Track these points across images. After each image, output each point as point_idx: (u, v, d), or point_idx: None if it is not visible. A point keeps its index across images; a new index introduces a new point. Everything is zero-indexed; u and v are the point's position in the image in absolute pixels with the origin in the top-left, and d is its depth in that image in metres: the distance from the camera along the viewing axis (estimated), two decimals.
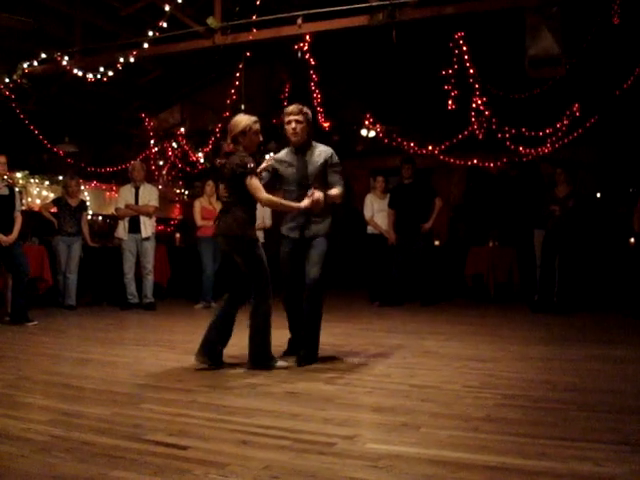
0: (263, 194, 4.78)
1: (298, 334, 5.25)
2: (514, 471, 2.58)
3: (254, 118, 5.00)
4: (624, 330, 7.21)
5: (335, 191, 5.09)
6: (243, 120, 4.93)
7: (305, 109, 5.12)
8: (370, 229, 10.09)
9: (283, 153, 5.30)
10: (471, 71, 9.77)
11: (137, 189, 9.39)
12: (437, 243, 11.55)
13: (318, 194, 4.84)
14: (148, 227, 9.35)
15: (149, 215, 9.36)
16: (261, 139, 5.03)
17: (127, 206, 9.33)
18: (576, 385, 4.17)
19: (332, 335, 6.58)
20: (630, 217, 8.70)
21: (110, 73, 9.73)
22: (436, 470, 2.59)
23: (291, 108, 5.11)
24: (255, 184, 4.76)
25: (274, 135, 13.55)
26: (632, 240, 9.17)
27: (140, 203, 9.32)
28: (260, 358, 4.80)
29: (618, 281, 9.84)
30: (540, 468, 2.61)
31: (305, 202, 4.86)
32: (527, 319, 8.19)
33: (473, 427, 3.22)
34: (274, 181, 5.23)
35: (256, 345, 4.80)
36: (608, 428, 3.18)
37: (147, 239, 9.34)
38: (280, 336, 5.24)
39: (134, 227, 9.31)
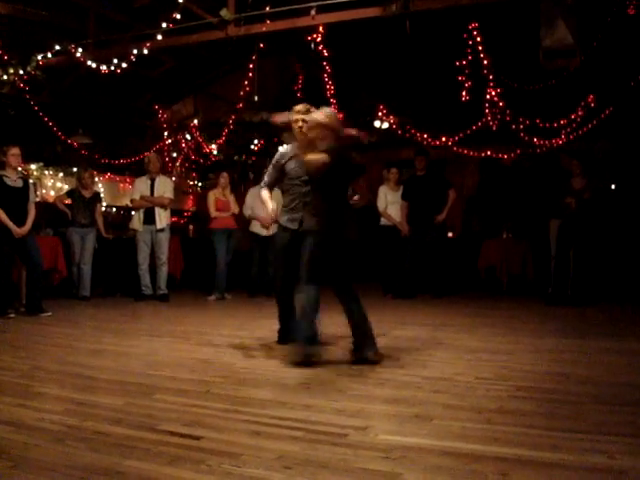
0: None
1: (286, 325, 5.40)
2: (527, 463, 2.58)
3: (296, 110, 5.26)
4: (639, 323, 7.19)
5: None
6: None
7: (312, 109, 5.13)
8: (383, 221, 10.08)
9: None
10: (485, 62, 9.70)
11: (153, 181, 9.41)
12: (450, 235, 11.51)
13: None
14: (163, 218, 9.37)
15: (164, 206, 9.38)
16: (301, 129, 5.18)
17: (142, 197, 9.36)
18: (590, 378, 4.15)
19: (344, 326, 6.57)
20: None
21: (124, 65, 9.75)
22: (449, 462, 2.59)
23: (299, 107, 5.25)
24: None
25: (287, 126, 13.55)
26: None
27: (155, 195, 9.34)
28: None
29: (633, 273, 9.79)
30: (553, 460, 2.61)
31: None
32: (541, 311, 8.16)
33: (486, 419, 3.21)
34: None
35: None
36: (622, 421, 3.17)
37: (162, 230, 9.36)
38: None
39: (149, 218, 9.33)
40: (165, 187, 9.45)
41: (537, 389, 3.85)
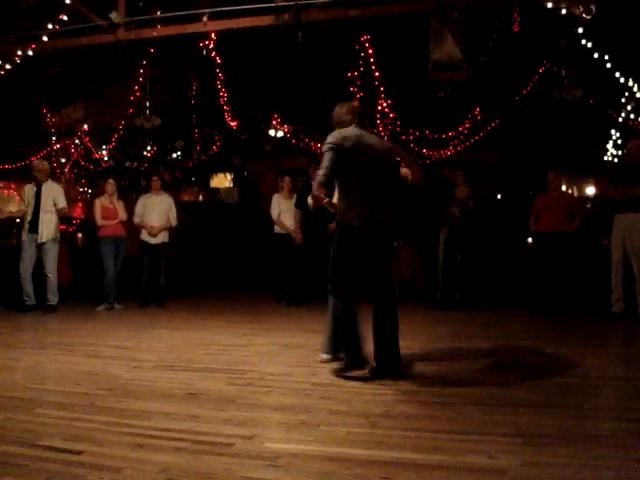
0: None
1: None
2: (409, 465, 2.64)
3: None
4: (523, 324, 7.50)
5: None
6: None
7: None
8: (277, 229, 10.09)
9: None
10: (376, 74, 9.89)
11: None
12: None
13: None
14: (45, 230, 8.93)
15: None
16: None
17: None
18: (474, 379, 4.29)
19: (236, 335, 6.57)
20: (528, 218, 8.99)
21: (8, 66, 9.38)
22: (333, 467, 2.62)
23: None
24: None
25: (181, 134, 13.43)
26: (529, 240, 9.53)
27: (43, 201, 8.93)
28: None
29: (517, 278, 10.20)
30: (434, 462, 2.69)
31: None
32: (430, 316, 8.38)
33: (371, 423, 3.27)
34: None
35: None
36: (502, 421, 3.30)
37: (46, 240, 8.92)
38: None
39: (33, 227, 8.93)
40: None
41: (423, 392, 3.96)
